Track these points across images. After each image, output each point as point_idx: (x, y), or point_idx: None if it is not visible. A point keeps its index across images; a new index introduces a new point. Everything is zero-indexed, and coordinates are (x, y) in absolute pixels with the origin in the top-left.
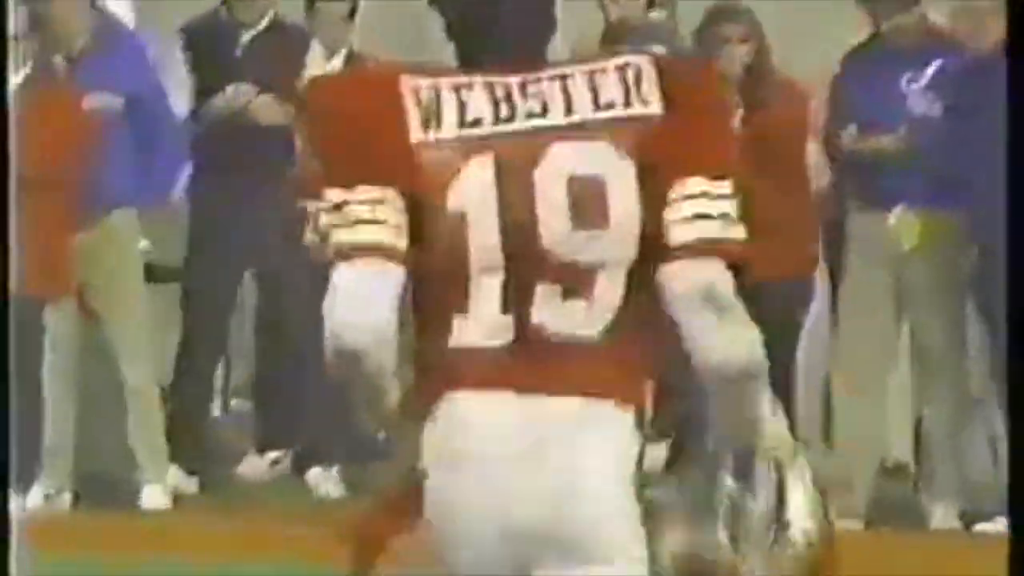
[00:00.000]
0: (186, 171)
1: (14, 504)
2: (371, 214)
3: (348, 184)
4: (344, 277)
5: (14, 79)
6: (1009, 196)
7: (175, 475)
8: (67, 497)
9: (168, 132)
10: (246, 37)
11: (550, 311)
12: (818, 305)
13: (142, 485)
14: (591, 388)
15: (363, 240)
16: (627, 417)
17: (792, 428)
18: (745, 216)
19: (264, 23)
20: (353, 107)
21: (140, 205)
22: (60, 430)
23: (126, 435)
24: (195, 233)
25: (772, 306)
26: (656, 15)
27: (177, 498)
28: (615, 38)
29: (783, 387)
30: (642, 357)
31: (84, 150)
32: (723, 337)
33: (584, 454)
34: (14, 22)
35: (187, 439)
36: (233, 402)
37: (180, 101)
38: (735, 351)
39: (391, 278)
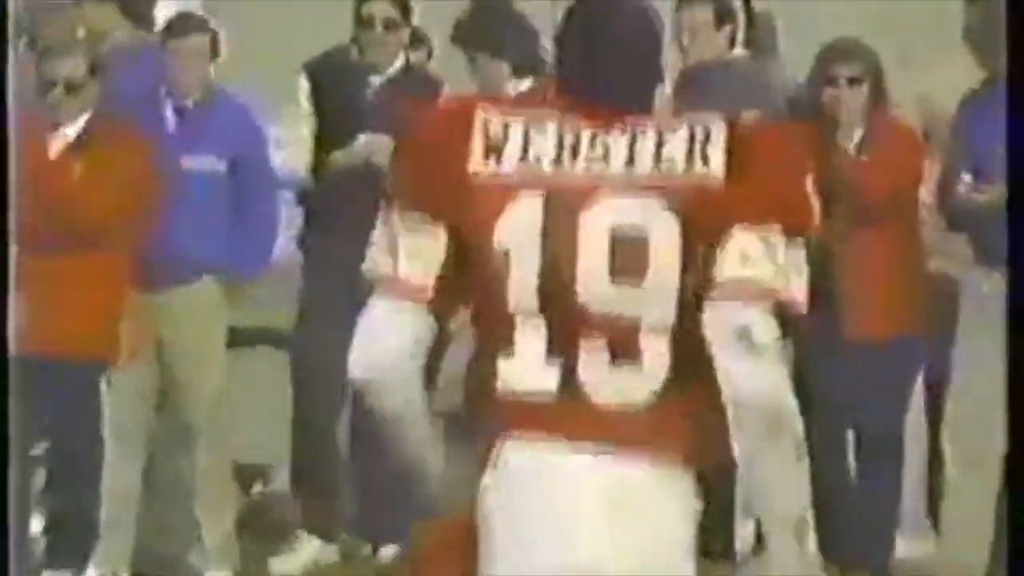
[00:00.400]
0: (292, 228)
1: None
2: (409, 246)
3: (404, 208)
4: (368, 313)
5: (70, 128)
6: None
7: (313, 544)
8: None
9: (268, 202)
10: (377, 81)
11: (598, 376)
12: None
13: (207, 569)
14: (647, 445)
15: (392, 275)
16: (688, 480)
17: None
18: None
19: (396, 67)
20: (427, 134)
21: (229, 274)
22: (121, 504)
23: (193, 514)
24: (307, 290)
25: (877, 367)
26: (738, 53)
27: None
28: (691, 79)
29: (892, 460)
30: (695, 419)
31: (170, 210)
32: (752, 373)
33: (649, 515)
34: (69, 67)
35: (318, 511)
36: None
37: (296, 150)
38: (761, 388)
39: (411, 319)
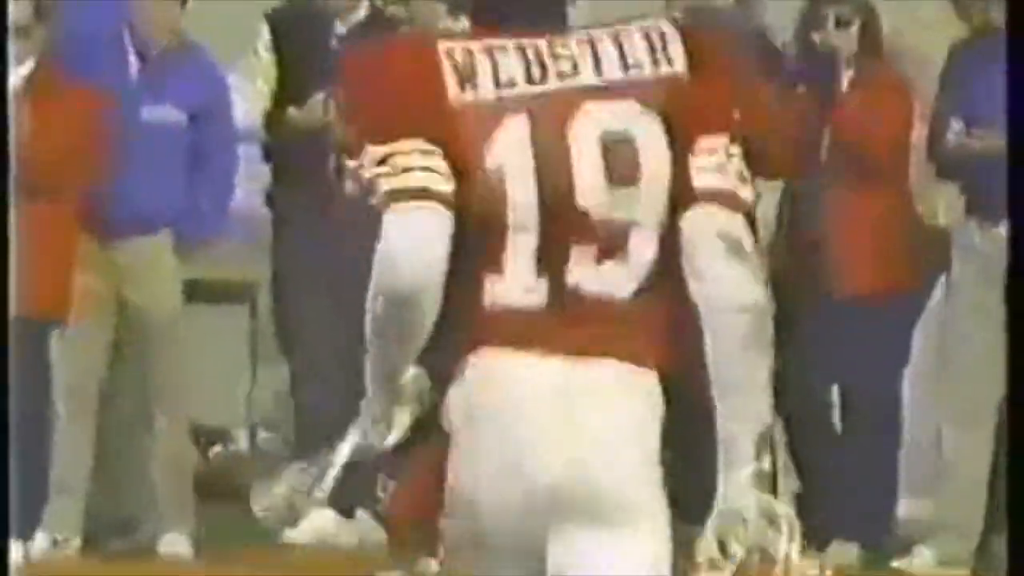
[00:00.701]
0: (259, 183)
1: (16, 550)
2: (418, 162)
3: (390, 140)
4: (397, 221)
5: (20, 72)
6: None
7: (327, 517)
8: (77, 543)
9: (228, 157)
10: (341, 29)
11: (585, 273)
12: (924, 327)
13: (163, 532)
14: (620, 350)
15: (413, 185)
16: (653, 379)
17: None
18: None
19: (361, 13)
20: (391, 70)
21: (186, 229)
22: (72, 467)
23: (149, 475)
24: (279, 247)
25: (868, 325)
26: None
27: (199, 546)
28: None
29: (889, 425)
30: (670, 316)
31: (127, 159)
32: (737, 277)
33: (610, 417)
34: (16, 12)
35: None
36: (262, 435)
37: (254, 103)
38: (742, 293)
39: (443, 221)
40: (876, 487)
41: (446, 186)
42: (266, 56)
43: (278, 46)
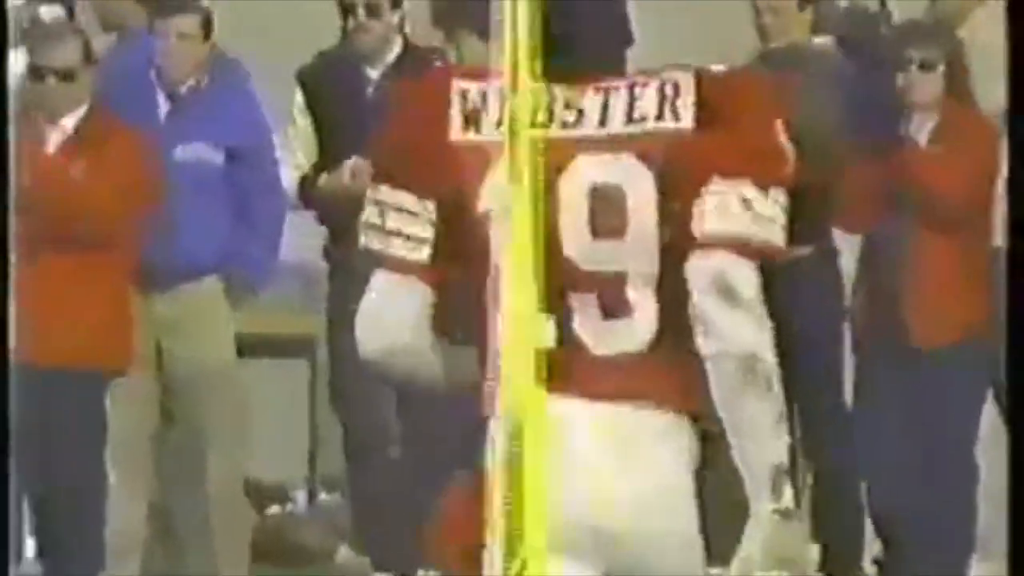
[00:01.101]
0: (316, 237)
1: None
2: (403, 226)
3: (392, 182)
4: (371, 291)
5: (67, 120)
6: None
7: None
8: None
9: (272, 196)
10: (373, 74)
11: (592, 326)
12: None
13: None
14: (647, 391)
15: (390, 254)
16: (686, 424)
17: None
18: (902, 272)
19: (394, 53)
20: (407, 107)
21: (235, 275)
22: (127, 526)
23: (208, 535)
24: (335, 298)
25: (946, 376)
26: (820, 41)
27: None
28: (770, 64)
29: (965, 476)
30: (690, 366)
31: (165, 205)
32: (729, 325)
33: (652, 464)
34: (63, 55)
35: (385, 546)
36: (323, 496)
37: (295, 174)
38: (736, 336)
39: (414, 296)
40: (958, 548)
41: (421, 255)
42: (303, 123)
43: (313, 104)
